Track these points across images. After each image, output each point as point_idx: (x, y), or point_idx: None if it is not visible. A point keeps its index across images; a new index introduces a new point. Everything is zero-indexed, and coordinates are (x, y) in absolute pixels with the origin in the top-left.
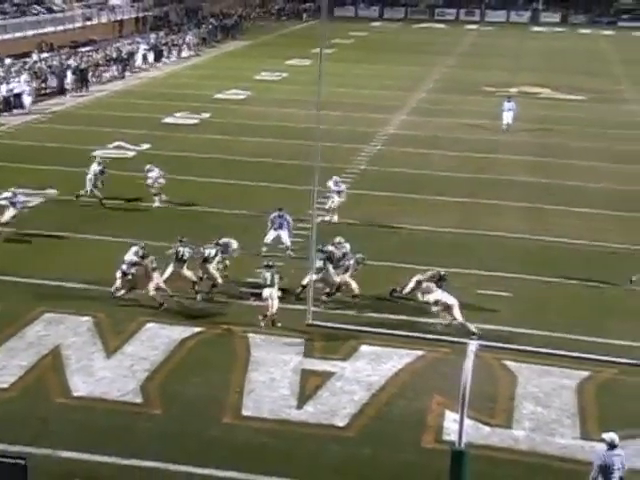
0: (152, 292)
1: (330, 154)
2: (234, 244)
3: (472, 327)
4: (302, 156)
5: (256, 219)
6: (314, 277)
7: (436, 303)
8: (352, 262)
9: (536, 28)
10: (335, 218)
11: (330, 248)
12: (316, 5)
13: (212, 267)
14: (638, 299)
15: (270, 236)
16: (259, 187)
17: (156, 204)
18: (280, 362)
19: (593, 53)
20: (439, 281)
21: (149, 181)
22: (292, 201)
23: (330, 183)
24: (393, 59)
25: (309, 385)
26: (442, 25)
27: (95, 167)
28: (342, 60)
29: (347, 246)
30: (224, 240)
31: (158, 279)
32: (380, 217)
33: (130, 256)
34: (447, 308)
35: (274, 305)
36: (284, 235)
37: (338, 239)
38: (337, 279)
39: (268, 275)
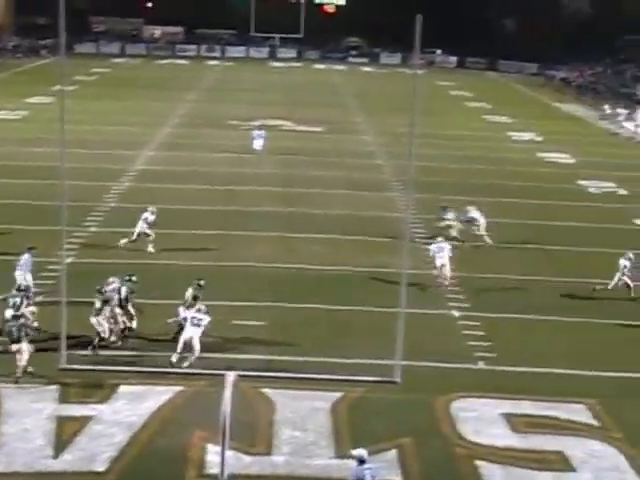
0: None
1: (77, 193)
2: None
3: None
4: (48, 196)
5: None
6: (94, 319)
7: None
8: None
9: (275, 63)
10: (150, 248)
11: (109, 288)
12: (55, 41)
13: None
14: (372, 318)
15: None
16: (5, 229)
17: None
18: (33, 411)
19: (328, 86)
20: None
21: None
22: (42, 242)
23: (146, 214)
24: (137, 95)
25: (66, 432)
26: (184, 61)
27: None
28: (85, 97)
29: (115, 283)
30: (24, 284)
31: None
32: (132, 254)
33: None
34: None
35: (23, 359)
36: (28, 276)
37: (111, 279)
38: (104, 325)
39: (14, 330)
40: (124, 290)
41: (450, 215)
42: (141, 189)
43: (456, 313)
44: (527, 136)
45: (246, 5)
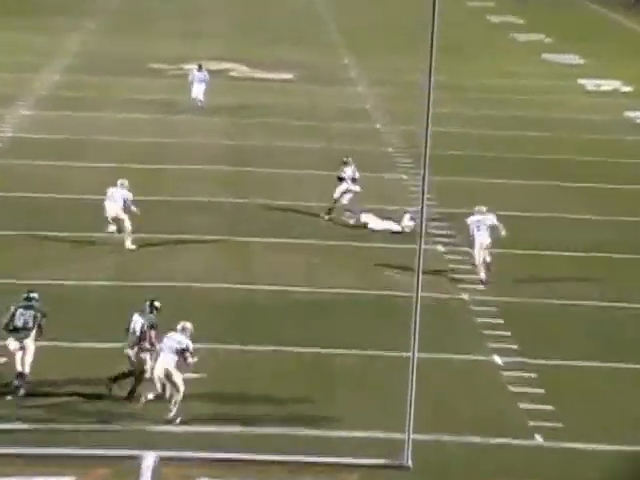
0: None
1: None
2: None
3: None
4: None
5: None
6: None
7: None
8: None
9: None
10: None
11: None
12: None
13: None
14: (367, 364)
15: None
16: None
17: None
18: None
19: (301, 10)
20: None
21: None
22: None
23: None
24: (14, 24)
25: None
26: None
27: None
28: None
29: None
30: None
31: None
32: None
33: None
34: None
35: None
36: None
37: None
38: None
39: None
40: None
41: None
42: (8, 167)
43: (498, 359)
44: (609, 85)
45: None
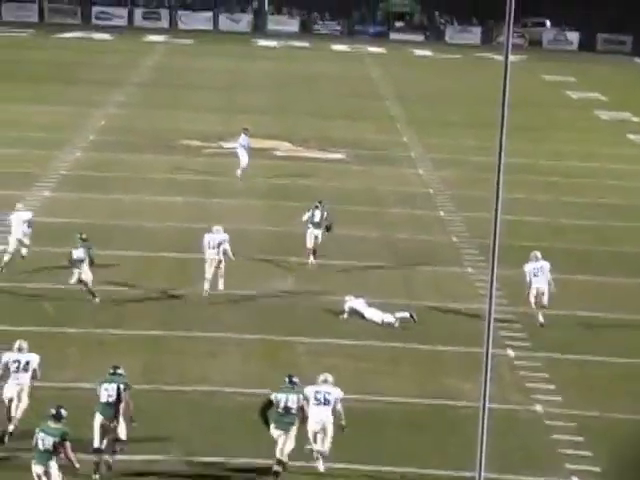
0: None
1: None
2: None
3: None
4: None
5: None
6: None
7: None
8: None
9: (263, 42)
10: None
11: None
12: None
13: None
14: None
15: None
16: None
17: None
18: None
19: (356, 82)
20: None
21: None
22: None
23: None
24: (25, 94)
25: None
26: (106, 35)
27: None
28: None
29: None
30: None
31: None
32: None
33: None
34: None
35: None
36: None
37: None
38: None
39: None
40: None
41: None
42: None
43: (539, 407)
44: None
45: None
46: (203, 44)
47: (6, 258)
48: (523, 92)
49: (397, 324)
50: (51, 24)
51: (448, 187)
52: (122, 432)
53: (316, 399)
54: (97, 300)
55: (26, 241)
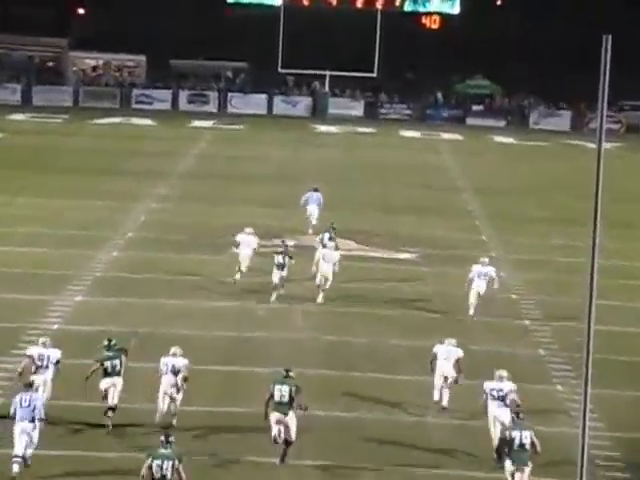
0: None
1: None
2: None
3: None
4: None
5: None
6: None
7: None
8: None
9: (323, 127)
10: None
11: None
12: None
13: None
14: None
15: None
16: None
17: None
18: None
19: (426, 173)
20: None
21: None
22: None
23: None
24: (57, 186)
25: None
26: (147, 120)
27: None
28: None
29: None
30: None
31: None
32: None
33: None
34: None
35: None
36: None
37: None
38: None
39: None
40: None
41: None
42: None
43: None
44: None
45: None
46: (255, 130)
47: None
48: (620, 184)
49: None
50: (87, 108)
51: (533, 292)
52: None
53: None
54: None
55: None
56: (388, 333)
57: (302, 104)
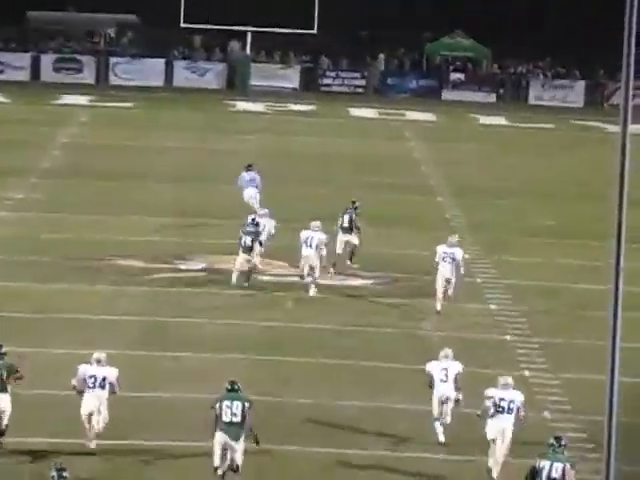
0: None
1: None
2: None
3: None
4: None
5: None
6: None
7: None
8: None
9: (243, 104)
10: None
11: None
12: None
13: None
14: None
15: None
16: None
17: None
18: None
19: (387, 169)
20: None
21: None
22: None
23: None
24: None
25: None
26: None
27: None
28: None
29: None
30: None
31: None
32: None
33: None
34: None
35: None
36: None
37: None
38: None
39: None
40: None
41: None
42: None
43: None
44: None
45: None
46: (149, 109)
47: None
48: None
49: None
50: None
51: (535, 334)
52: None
53: None
54: None
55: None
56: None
57: (213, 73)
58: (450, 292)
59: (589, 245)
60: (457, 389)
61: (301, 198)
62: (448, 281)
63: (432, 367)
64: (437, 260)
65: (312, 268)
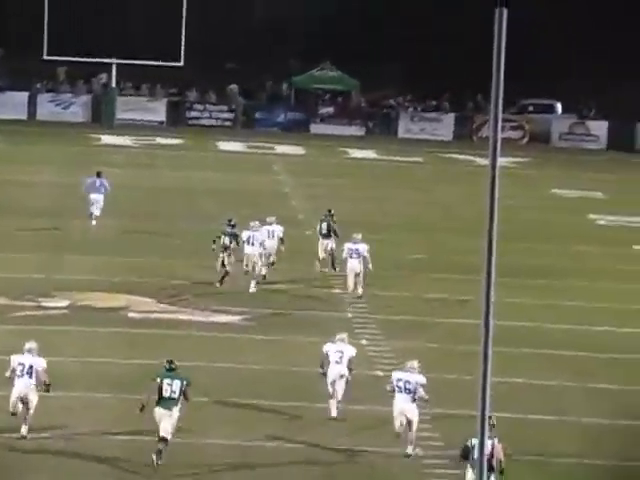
0: None
1: None
2: None
3: None
4: None
5: None
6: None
7: None
8: None
9: (109, 138)
10: None
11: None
12: None
13: None
14: None
15: None
16: None
17: None
18: None
19: (257, 204)
20: None
21: None
22: None
23: None
24: None
25: None
26: None
27: None
28: None
29: None
30: None
31: None
32: None
33: None
34: None
35: None
36: None
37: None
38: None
39: None
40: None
41: None
42: None
43: None
44: None
45: None
46: (10, 143)
47: None
48: (527, 218)
49: None
50: None
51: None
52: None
53: None
54: None
55: None
56: None
57: (78, 106)
58: (360, 289)
59: (458, 279)
60: (349, 370)
61: (161, 234)
62: (357, 275)
63: (329, 348)
64: (345, 256)
65: (254, 265)
